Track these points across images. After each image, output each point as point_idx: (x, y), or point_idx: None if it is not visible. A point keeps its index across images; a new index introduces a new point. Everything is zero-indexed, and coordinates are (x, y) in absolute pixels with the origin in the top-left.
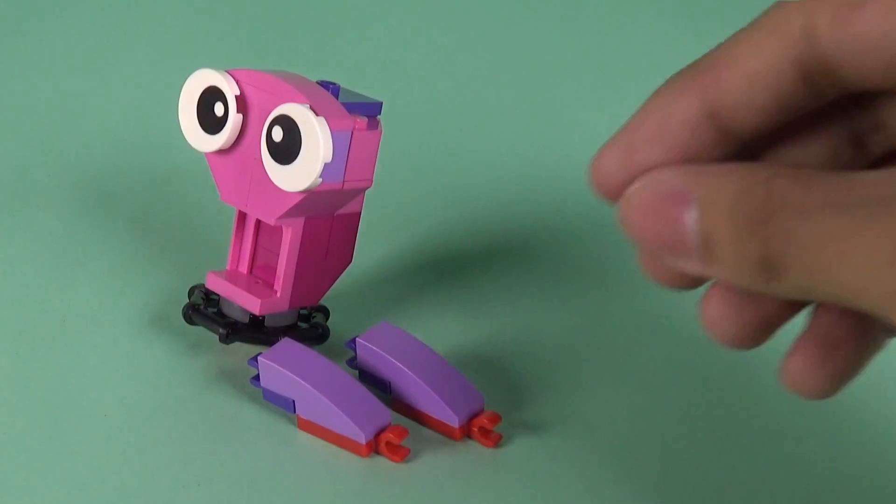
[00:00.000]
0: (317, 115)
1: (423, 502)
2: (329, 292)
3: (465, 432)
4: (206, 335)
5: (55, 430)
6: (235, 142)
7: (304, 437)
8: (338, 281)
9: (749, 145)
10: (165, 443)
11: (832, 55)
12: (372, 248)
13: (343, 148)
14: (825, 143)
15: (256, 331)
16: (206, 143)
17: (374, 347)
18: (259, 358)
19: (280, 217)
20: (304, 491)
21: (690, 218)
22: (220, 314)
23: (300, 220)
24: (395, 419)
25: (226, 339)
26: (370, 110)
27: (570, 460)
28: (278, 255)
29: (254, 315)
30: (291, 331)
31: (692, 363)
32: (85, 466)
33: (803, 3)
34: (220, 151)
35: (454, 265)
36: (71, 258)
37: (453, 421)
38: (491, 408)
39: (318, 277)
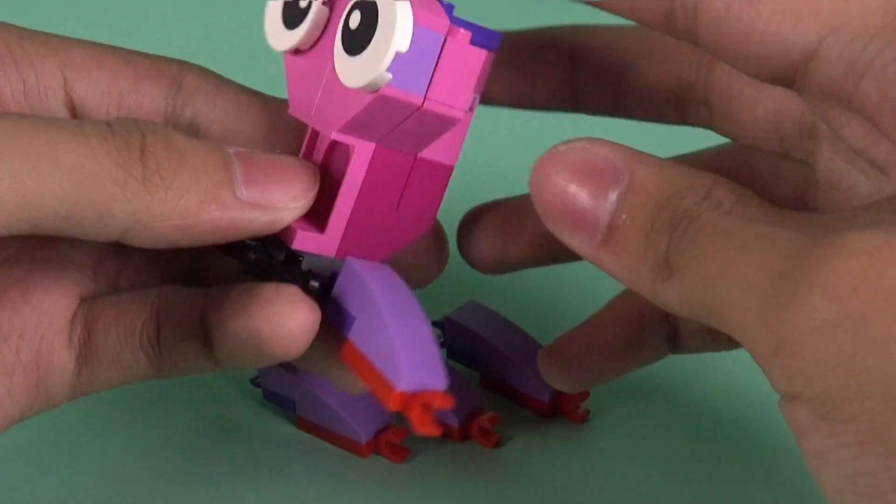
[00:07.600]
0: None
1: (423, 502)
2: None
3: (465, 432)
4: None
5: (53, 429)
6: (318, 41)
7: (304, 437)
8: None
9: None
10: (165, 442)
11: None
12: None
13: (428, 51)
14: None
15: (286, 269)
16: (283, 39)
17: None
18: None
19: (343, 127)
20: (304, 491)
21: (612, 196)
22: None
23: (370, 145)
24: (396, 419)
25: (250, 265)
26: (486, 38)
27: (570, 460)
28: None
29: (290, 250)
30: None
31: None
32: (84, 466)
33: None
34: (299, 52)
35: (455, 265)
36: None
37: (453, 421)
38: (491, 409)
39: (381, 231)
